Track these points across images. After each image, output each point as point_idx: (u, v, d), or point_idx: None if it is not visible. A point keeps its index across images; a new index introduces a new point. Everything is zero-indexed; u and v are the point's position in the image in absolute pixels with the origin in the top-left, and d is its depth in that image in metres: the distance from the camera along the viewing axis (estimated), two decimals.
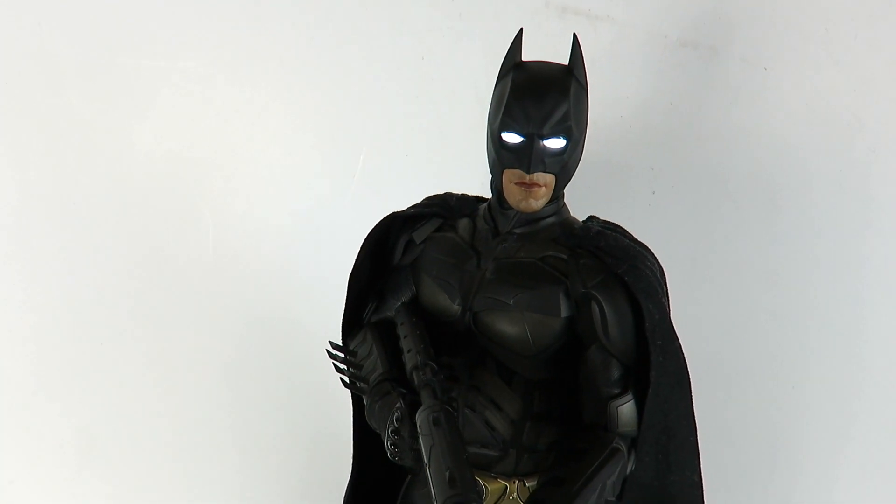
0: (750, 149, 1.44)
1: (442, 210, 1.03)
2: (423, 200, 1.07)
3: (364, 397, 0.98)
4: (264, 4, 1.52)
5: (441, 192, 1.14)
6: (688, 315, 1.19)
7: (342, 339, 1.08)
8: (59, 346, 1.62)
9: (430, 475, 0.78)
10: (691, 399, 0.96)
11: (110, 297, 1.61)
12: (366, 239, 1.06)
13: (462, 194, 1.06)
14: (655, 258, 0.98)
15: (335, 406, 1.57)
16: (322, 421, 1.61)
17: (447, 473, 0.75)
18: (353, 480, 1.13)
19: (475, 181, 1.44)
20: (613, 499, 0.88)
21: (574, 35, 0.95)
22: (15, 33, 1.52)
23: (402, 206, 1.15)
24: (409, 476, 1.08)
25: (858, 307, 1.42)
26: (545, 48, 1.21)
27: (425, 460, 0.79)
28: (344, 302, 1.11)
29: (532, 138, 0.89)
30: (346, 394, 1.33)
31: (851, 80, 1.39)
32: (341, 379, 1.02)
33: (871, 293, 1.42)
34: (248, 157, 1.56)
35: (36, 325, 1.61)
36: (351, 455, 1.15)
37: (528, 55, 0.98)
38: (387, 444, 0.89)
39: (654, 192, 1.49)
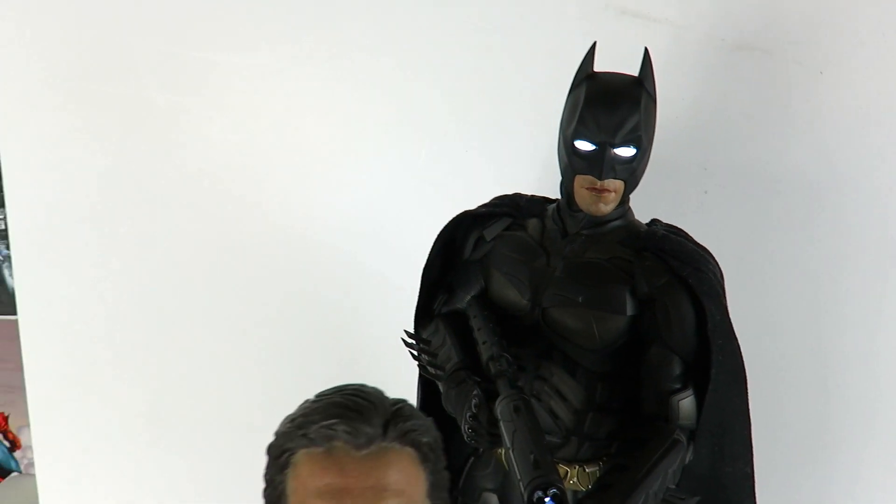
0: (801, 151, 1.47)
1: (512, 209, 1.09)
2: (493, 200, 1.13)
3: (440, 383, 1.05)
4: (331, 1, 1.58)
5: (501, 187, 1.19)
6: (735, 312, 1.24)
7: (414, 328, 1.15)
8: (132, 325, 1.71)
9: (514, 458, 0.84)
10: (747, 396, 1.01)
11: (181, 281, 1.69)
12: (438, 235, 1.13)
13: (531, 195, 1.12)
14: (716, 261, 1.03)
15: (389, 390, 1.65)
16: None
17: (531, 457, 0.82)
18: None
19: (532, 177, 1.51)
20: (673, 486, 0.94)
21: (645, 48, 1.00)
22: (95, 27, 1.60)
23: (460, 200, 1.20)
24: (472, 458, 1.15)
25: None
26: (605, 48, 1.26)
27: (508, 444, 0.86)
28: (409, 294, 1.18)
29: (604, 147, 0.95)
30: (405, 378, 1.41)
31: None
32: (419, 365, 1.09)
33: None
34: (314, 148, 1.63)
35: (112, 306, 1.70)
36: None
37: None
38: (464, 427, 0.96)
39: (706, 192, 1.53)
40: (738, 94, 1.49)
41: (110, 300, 1.70)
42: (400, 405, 0.51)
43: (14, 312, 1.74)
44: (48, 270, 1.70)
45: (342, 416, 0.49)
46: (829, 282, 1.49)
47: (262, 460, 1.66)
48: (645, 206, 1.16)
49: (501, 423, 0.89)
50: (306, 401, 0.50)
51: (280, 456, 0.51)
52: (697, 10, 1.48)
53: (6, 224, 1.71)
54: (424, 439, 0.50)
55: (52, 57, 1.62)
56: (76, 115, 1.63)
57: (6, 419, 1.92)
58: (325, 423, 0.49)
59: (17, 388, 1.79)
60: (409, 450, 0.50)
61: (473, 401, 0.94)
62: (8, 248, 1.72)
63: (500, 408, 0.90)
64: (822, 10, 1.43)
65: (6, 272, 1.83)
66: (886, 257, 1.46)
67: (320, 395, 0.50)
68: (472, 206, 1.17)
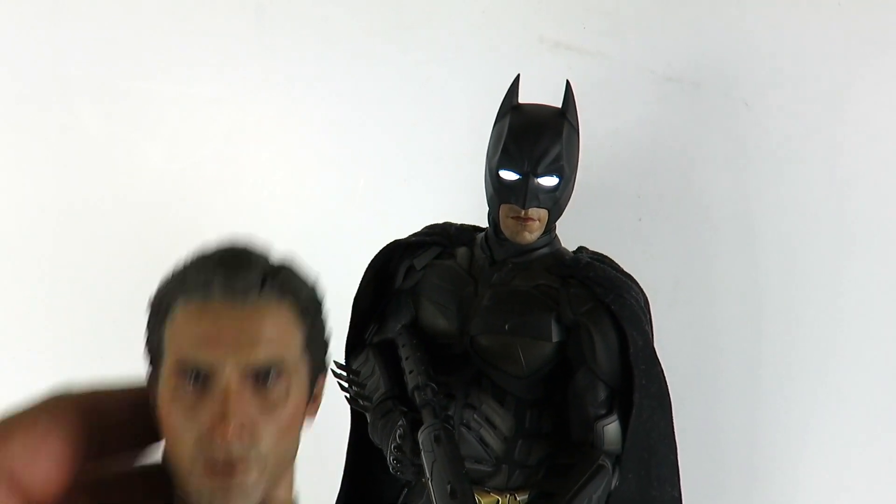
0: (730, 179, 1.52)
1: (442, 239, 1.10)
2: (424, 229, 1.14)
3: (367, 414, 1.04)
4: (271, 32, 1.59)
5: (437, 215, 1.20)
6: (670, 335, 1.27)
7: (345, 358, 1.15)
8: (62, 356, 1.67)
9: (432, 488, 0.84)
10: (672, 419, 1.03)
11: (115, 312, 1.66)
12: (369, 264, 1.13)
13: (461, 224, 1.13)
14: (640, 288, 1.05)
15: (327, 425, 1.64)
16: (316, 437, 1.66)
17: (448, 487, 0.82)
18: (342, 492, 1.18)
19: (470, 206, 1.52)
20: None
21: (567, 81, 1.02)
22: (30, 54, 1.58)
23: (399, 227, 1.21)
24: (406, 490, 1.14)
25: (835, 330, 1.50)
26: (538, 80, 1.29)
27: (427, 475, 0.86)
28: (345, 323, 1.17)
29: (527, 176, 0.96)
30: (336, 413, 1.40)
31: (827, 118, 1.47)
32: (346, 396, 1.08)
33: (847, 318, 1.50)
34: (251, 178, 1.63)
35: (43, 339, 1.66)
36: (341, 467, 1.20)
37: (522, 87, 1.05)
38: (389, 458, 0.95)
39: (640, 219, 1.56)
40: (670, 125, 1.54)
41: (41, 333, 1.66)
42: (284, 262, 0.51)
43: None
44: None
45: (221, 268, 0.49)
46: (760, 306, 1.53)
47: None
48: (581, 232, 1.18)
49: (423, 453, 0.89)
50: (188, 255, 0.51)
51: (159, 307, 0.52)
52: (629, 43, 1.52)
53: None
54: (304, 293, 0.50)
55: None
56: (7, 141, 1.61)
57: None
58: (202, 274, 0.49)
59: None
60: (287, 303, 0.50)
61: (398, 431, 0.94)
62: None
63: (422, 438, 0.90)
64: (747, 44, 1.48)
65: None
66: (820, 282, 1.51)
67: (202, 251, 0.50)
68: (410, 234, 1.18)
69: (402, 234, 1.18)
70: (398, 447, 0.94)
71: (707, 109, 1.52)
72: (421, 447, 0.90)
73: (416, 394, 0.97)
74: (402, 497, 1.15)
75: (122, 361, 1.65)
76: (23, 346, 1.66)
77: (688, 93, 1.52)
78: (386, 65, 1.57)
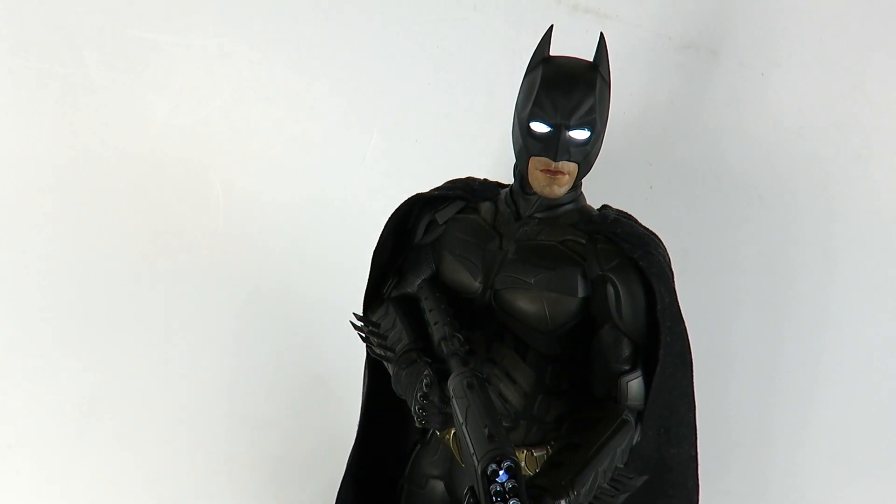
0: (743, 148, 1.52)
1: (465, 193, 1.09)
2: (447, 183, 1.13)
3: (389, 366, 1.03)
4: None
5: (449, 175, 1.19)
6: (681, 304, 1.27)
7: (363, 312, 1.13)
8: (66, 313, 1.65)
9: (467, 433, 0.83)
10: (692, 379, 1.03)
11: (118, 267, 1.63)
12: (390, 218, 1.11)
13: (484, 179, 1.12)
14: (664, 246, 1.05)
15: (334, 376, 1.63)
16: (319, 391, 1.66)
17: (486, 431, 0.82)
18: (356, 449, 1.18)
19: (483, 168, 1.50)
20: (622, 466, 0.94)
21: (601, 34, 1.01)
22: (36, 2, 1.54)
23: (410, 190, 1.19)
24: (419, 445, 1.14)
25: (837, 300, 1.51)
26: (557, 42, 1.27)
27: (461, 420, 0.85)
28: (356, 280, 1.16)
29: (559, 128, 0.95)
30: (343, 365, 1.39)
31: (842, 89, 1.47)
32: (368, 347, 1.07)
33: (848, 288, 1.51)
34: (260, 135, 1.60)
35: (45, 293, 1.63)
36: (356, 425, 1.20)
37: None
38: (415, 408, 0.95)
39: (651, 187, 1.56)
40: (685, 92, 1.53)
41: (45, 286, 1.63)
42: None
43: None
44: None
45: None
46: (770, 276, 1.53)
47: (199, 455, 1.59)
48: (593, 198, 1.18)
49: (454, 401, 0.88)
50: None
51: None
52: (647, 8, 1.51)
53: None
54: None
55: None
56: (12, 91, 1.56)
57: None
58: None
59: None
60: None
61: (425, 380, 0.93)
62: None
63: (454, 385, 0.89)
64: (767, 13, 1.47)
65: None
66: (826, 253, 1.51)
67: None
68: (432, 188, 1.16)
69: (413, 193, 1.17)
70: (424, 395, 0.93)
71: (723, 78, 1.51)
72: (452, 395, 0.89)
73: (442, 344, 0.96)
74: (413, 453, 1.15)
75: (124, 317, 1.64)
76: (19, 299, 1.63)
77: (704, 60, 1.51)
78: (400, 23, 1.55)
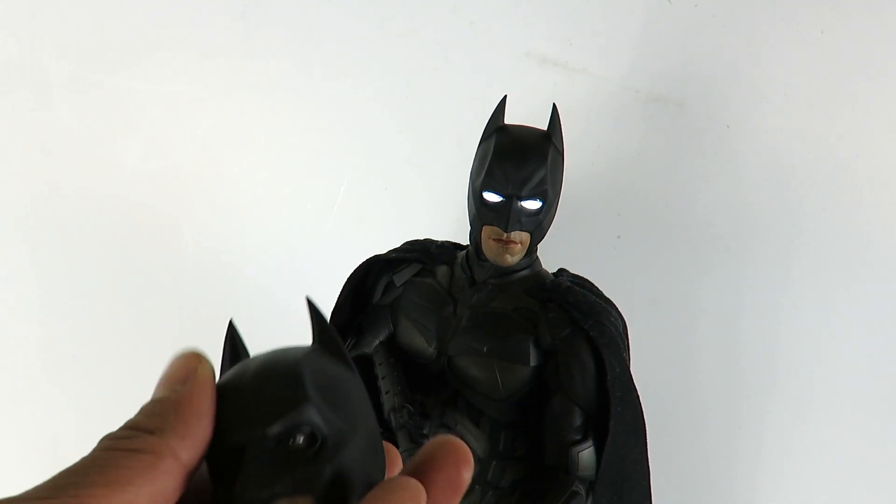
0: (710, 199, 1.53)
1: (422, 256, 1.09)
2: (405, 244, 1.13)
3: None
4: (255, 35, 1.57)
5: (418, 226, 1.19)
6: (646, 353, 1.28)
7: None
8: (33, 356, 1.64)
9: None
10: (646, 445, 1.03)
11: (85, 310, 1.63)
12: (349, 278, 1.12)
13: (442, 241, 1.12)
14: (619, 313, 1.05)
15: None
16: None
17: None
18: None
19: (451, 218, 1.52)
20: None
21: (553, 105, 1.02)
22: (7, 45, 1.55)
23: (379, 236, 1.20)
24: None
25: (817, 352, 1.52)
26: (524, 95, 1.29)
27: None
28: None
29: (511, 199, 0.96)
30: None
31: (805, 143, 1.49)
32: None
33: (830, 340, 1.52)
34: (231, 180, 1.61)
35: (10, 335, 1.63)
36: None
37: (507, 101, 1.05)
38: None
39: (619, 237, 1.57)
40: (653, 144, 1.55)
41: (9, 328, 1.62)
42: None
43: None
44: None
45: None
46: (738, 327, 1.54)
47: None
48: (561, 249, 1.19)
49: None
50: None
51: None
52: (615, 61, 1.53)
53: None
54: None
55: None
56: None
57: None
58: None
59: None
60: None
61: None
62: None
63: None
64: (732, 67, 1.50)
65: None
66: (790, 304, 1.52)
67: None
68: (389, 242, 1.17)
69: (382, 242, 1.18)
70: None
71: (690, 130, 1.53)
72: None
73: (392, 415, 0.97)
74: None
75: (91, 360, 1.63)
76: None
77: (671, 112, 1.53)
78: (370, 72, 1.56)
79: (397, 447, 0.93)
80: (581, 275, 1.11)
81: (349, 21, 1.54)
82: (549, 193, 0.98)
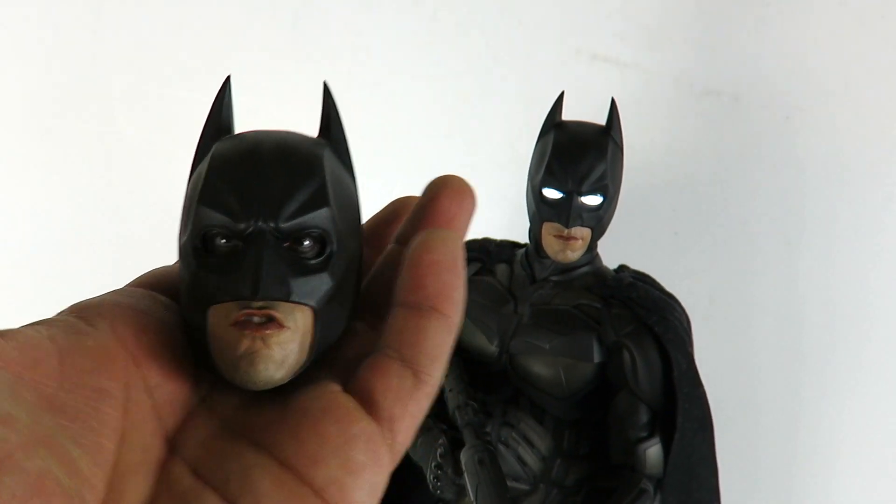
0: (768, 193, 1.50)
1: (481, 254, 1.09)
2: (464, 244, 1.13)
3: None
4: (308, 43, 1.59)
5: (473, 228, 1.19)
6: (705, 351, 1.25)
7: None
8: None
9: None
10: (713, 442, 1.01)
11: None
12: None
13: (500, 240, 1.12)
14: (683, 308, 1.04)
15: None
16: None
17: None
18: None
19: (506, 219, 1.51)
20: None
21: (612, 99, 1.01)
22: (70, 60, 1.60)
23: None
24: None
25: (877, 349, 1.47)
26: (576, 93, 1.28)
27: (472, 497, 0.85)
28: None
29: (571, 195, 0.95)
30: None
31: (868, 133, 1.45)
32: None
33: (890, 337, 1.47)
34: None
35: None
36: None
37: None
38: (430, 476, 0.95)
39: (676, 233, 1.55)
40: (708, 138, 1.52)
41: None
42: None
43: None
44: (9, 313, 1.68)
45: None
46: (798, 323, 1.51)
47: None
48: (617, 247, 1.17)
49: (466, 475, 0.88)
50: None
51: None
52: (667, 55, 1.51)
53: None
54: None
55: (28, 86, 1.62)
56: (46, 147, 1.63)
57: None
58: None
59: None
60: None
61: (439, 450, 0.94)
62: None
63: (465, 459, 0.90)
64: (789, 58, 1.46)
65: None
66: (850, 301, 1.48)
67: None
68: None
69: None
70: (438, 465, 0.93)
71: (746, 123, 1.50)
72: (464, 468, 0.89)
73: (456, 413, 0.97)
74: None
75: None
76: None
77: (726, 106, 1.50)
78: (421, 77, 1.57)
79: (462, 444, 0.94)
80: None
81: (398, 25, 1.56)
82: (610, 188, 0.97)
